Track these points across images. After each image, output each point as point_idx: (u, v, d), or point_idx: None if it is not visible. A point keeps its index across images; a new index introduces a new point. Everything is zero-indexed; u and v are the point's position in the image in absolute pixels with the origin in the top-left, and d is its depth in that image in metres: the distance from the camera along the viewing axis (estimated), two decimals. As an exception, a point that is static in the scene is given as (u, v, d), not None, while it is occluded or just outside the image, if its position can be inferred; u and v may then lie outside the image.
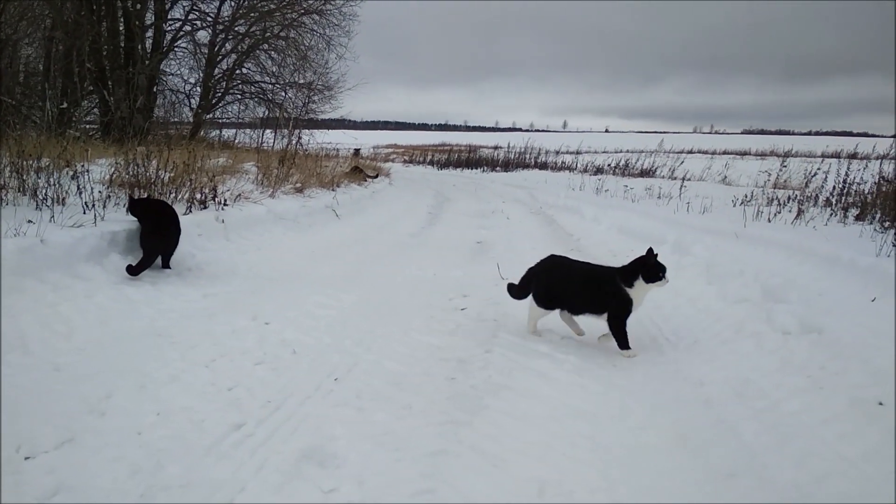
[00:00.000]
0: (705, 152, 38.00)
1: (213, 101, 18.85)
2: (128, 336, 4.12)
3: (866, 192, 8.79)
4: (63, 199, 5.99)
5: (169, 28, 17.12)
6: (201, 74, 18.27)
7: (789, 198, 10.10)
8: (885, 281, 4.81)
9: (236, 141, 17.83)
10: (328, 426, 3.05)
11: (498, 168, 30.78)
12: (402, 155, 44.13)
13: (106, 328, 4.22)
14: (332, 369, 3.79)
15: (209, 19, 17.84)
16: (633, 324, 4.42)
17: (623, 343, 4.34)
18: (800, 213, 8.50)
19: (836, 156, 16.91)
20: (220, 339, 4.17)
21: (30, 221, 5.10)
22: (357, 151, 29.58)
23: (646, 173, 20.57)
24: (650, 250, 4.44)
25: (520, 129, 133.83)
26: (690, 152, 32.67)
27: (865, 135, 68.58)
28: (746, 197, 10.83)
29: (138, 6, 14.90)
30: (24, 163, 6.07)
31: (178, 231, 5.78)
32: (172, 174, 7.47)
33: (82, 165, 6.46)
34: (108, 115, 13.69)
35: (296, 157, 12.59)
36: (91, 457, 2.64)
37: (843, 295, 4.83)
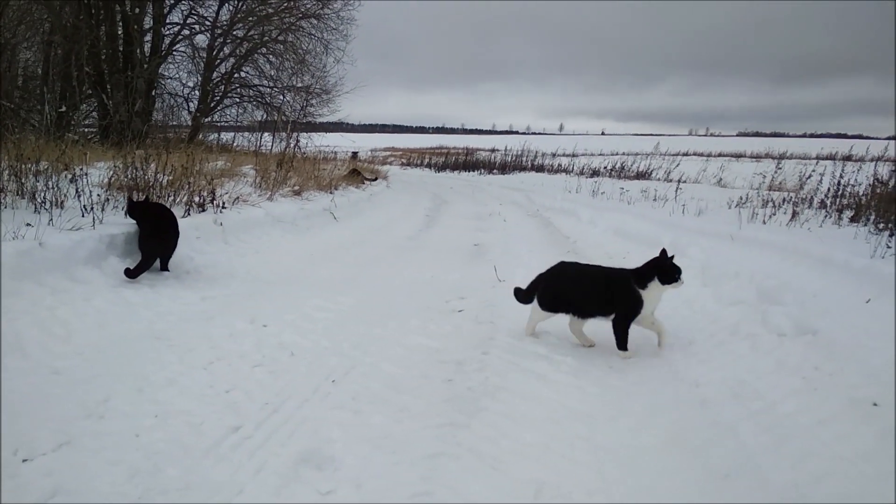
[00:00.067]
0: (701, 154, 38.07)
1: (212, 105, 18.87)
2: (126, 339, 4.13)
3: (861, 194, 8.82)
4: (61, 202, 5.99)
5: (167, 32, 17.13)
6: (200, 78, 18.29)
7: (784, 200, 10.11)
8: (879, 282, 4.83)
9: (234, 144, 17.83)
10: (326, 429, 3.06)
11: (495, 171, 30.79)
12: (399, 158, 44.17)
13: (104, 331, 4.23)
14: (330, 372, 3.80)
15: (207, 23, 17.88)
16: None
17: (623, 344, 4.35)
18: (795, 215, 8.52)
19: (831, 158, 17.00)
20: (218, 342, 4.18)
21: (28, 225, 5.11)
22: (355, 154, 29.59)
23: (642, 176, 20.61)
24: (664, 251, 4.43)
25: (516, 132, 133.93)
26: (686, 155, 32.75)
27: (860, 137, 68.81)
28: (742, 199, 10.85)
29: (137, 10, 14.90)
30: (23, 166, 6.08)
31: (176, 234, 5.79)
32: (171, 177, 7.48)
33: (81, 169, 6.47)
34: (106, 118, 13.69)
35: (294, 160, 12.60)
36: (89, 459, 2.65)
37: (837, 296, 4.85)
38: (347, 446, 2.91)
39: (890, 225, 6.55)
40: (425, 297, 5.77)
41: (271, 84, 19.25)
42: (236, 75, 19.14)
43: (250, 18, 18.02)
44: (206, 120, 18.42)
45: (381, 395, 3.52)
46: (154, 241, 5.60)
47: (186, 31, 17.71)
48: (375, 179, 18.95)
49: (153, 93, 16.14)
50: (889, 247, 5.61)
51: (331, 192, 12.55)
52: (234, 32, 18.28)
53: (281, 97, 19.36)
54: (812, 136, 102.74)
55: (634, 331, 4.46)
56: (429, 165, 37.27)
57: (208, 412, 3.16)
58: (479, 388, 3.66)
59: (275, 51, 18.72)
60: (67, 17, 13.12)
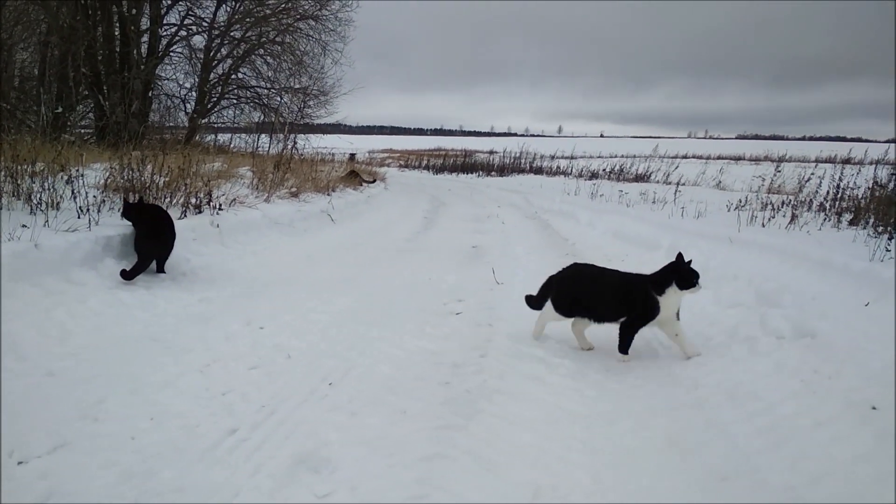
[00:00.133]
0: (700, 157, 38.18)
1: (209, 106, 18.86)
2: (122, 341, 4.12)
3: (860, 197, 8.82)
4: (58, 203, 5.98)
5: (164, 33, 17.15)
6: (197, 79, 18.29)
7: (783, 203, 10.12)
8: (878, 285, 4.83)
9: (231, 145, 17.83)
10: (322, 431, 3.05)
11: (493, 173, 30.83)
12: (397, 160, 44.21)
13: (100, 333, 4.21)
14: (327, 374, 3.79)
15: (205, 24, 17.88)
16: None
17: (625, 347, 4.30)
18: (794, 217, 8.52)
19: (830, 161, 17.01)
20: (215, 344, 4.17)
21: (24, 226, 5.10)
22: (353, 156, 29.60)
23: (640, 178, 20.65)
24: (680, 256, 4.33)
25: (515, 134, 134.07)
26: (685, 157, 32.85)
27: (859, 140, 68.95)
28: (741, 202, 10.86)
29: (134, 11, 14.90)
30: (19, 167, 6.06)
31: (172, 235, 5.78)
32: (167, 179, 7.47)
33: (77, 170, 6.46)
34: (103, 119, 13.69)
35: (291, 161, 12.59)
36: (84, 462, 2.64)
37: (836, 299, 4.85)
38: (344, 448, 2.89)
39: (889, 228, 6.54)
40: (423, 299, 5.75)
41: (269, 85, 19.27)
42: (233, 76, 19.16)
43: (248, 19, 18.03)
44: (203, 121, 18.41)
45: (378, 397, 3.50)
46: (151, 243, 5.59)
47: (183, 32, 17.74)
48: (374, 181, 18.94)
49: (150, 94, 16.14)
50: (888, 250, 5.61)
51: (328, 194, 12.54)
52: (232, 33, 18.29)
53: (278, 98, 19.39)
54: (811, 138, 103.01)
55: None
56: (427, 167, 37.30)
57: (204, 414, 3.15)
58: (477, 390, 3.64)
59: (272, 52, 18.74)
60: (64, 18, 13.10)
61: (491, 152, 39.95)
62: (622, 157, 28.84)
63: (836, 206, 8.98)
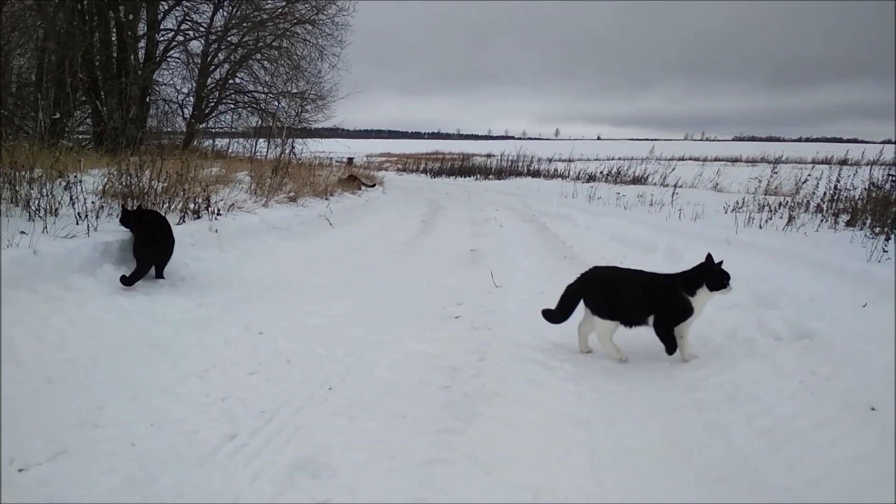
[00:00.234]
0: (696, 159, 38.24)
1: (206, 111, 18.85)
2: (121, 347, 4.11)
3: (856, 198, 8.85)
4: (56, 209, 5.97)
5: (161, 38, 17.14)
6: (194, 84, 18.28)
7: (780, 204, 10.14)
8: (875, 286, 4.84)
9: (229, 150, 17.83)
10: (322, 436, 3.05)
11: (491, 176, 30.88)
12: (395, 163, 44.24)
13: (99, 339, 4.21)
14: (326, 379, 3.79)
15: (202, 29, 17.87)
16: (627, 331, 4.42)
17: (672, 346, 4.21)
18: (791, 219, 8.54)
19: (827, 162, 17.04)
20: (214, 350, 4.17)
21: (22, 232, 5.09)
22: (350, 160, 29.64)
23: (638, 180, 20.68)
24: (710, 256, 4.30)
25: (512, 137, 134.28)
26: (682, 159, 32.91)
27: (856, 141, 69.13)
28: (738, 203, 10.87)
29: (131, 17, 14.90)
30: (17, 173, 6.05)
31: (171, 241, 5.78)
32: (165, 184, 7.46)
33: (75, 176, 6.45)
34: (100, 125, 13.67)
35: (289, 166, 12.60)
36: (84, 468, 2.63)
37: (834, 300, 4.86)
38: (343, 453, 2.89)
39: (886, 229, 6.56)
40: (421, 302, 5.76)
41: (266, 90, 19.28)
42: (231, 81, 19.15)
43: (245, 24, 18.04)
44: (201, 126, 18.40)
45: (377, 401, 3.51)
46: (149, 249, 5.59)
47: (181, 38, 17.72)
48: (374, 186, 18.96)
49: (147, 99, 16.15)
50: (885, 251, 5.63)
51: (326, 199, 12.55)
52: (229, 38, 18.29)
53: (276, 103, 19.40)
54: (808, 140, 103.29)
55: (630, 336, 4.45)
56: (425, 171, 37.33)
57: (204, 420, 3.15)
58: (476, 393, 3.65)
59: (269, 57, 18.74)
60: (61, 24, 13.09)
61: (488, 156, 40.01)
62: (619, 159, 28.86)
63: (833, 207, 9.00)
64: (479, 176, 31.57)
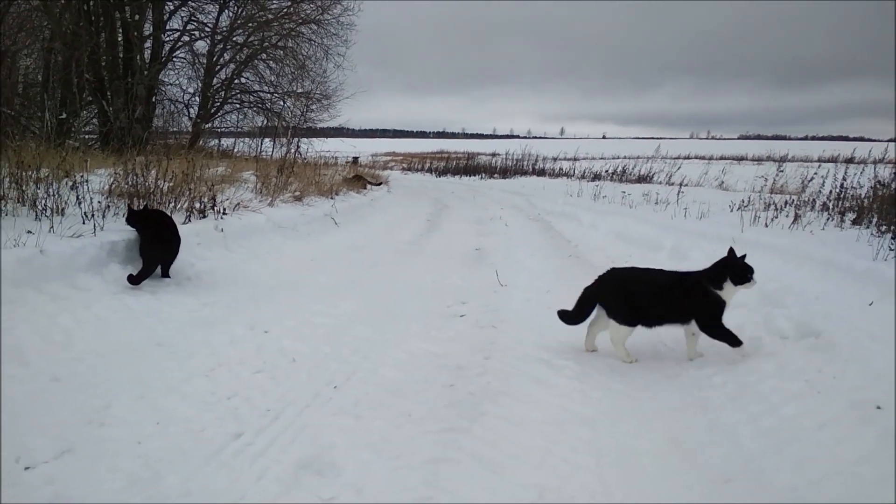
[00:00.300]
0: (702, 158, 38.16)
1: (212, 111, 18.92)
2: (127, 346, 4.13)
3: (863, 196, 8.82)
4: (62, 209, 6.00)
5: (167, 38, 17.21)
6: (200, 84, 18.35)
7: (786, 202, 10.11)
8: (882, 284, 4.83)
9: (235, 150, 17.87)
10: (327, 435, 3.05)
11: (496, 175, 30.86)
12: (400, 163, 44.24)
13: (105, 338, 4.23)
14: (331, 377, 3.79)
15: (207, 29, 17.95)
16: (632, 331, 4.41)
17: (734, 340, 4.11)
18: (797, 217, 8.52)
19: (833, 160, 17.00)
20: (220, 349, 4.18)
21: (29, 232, 5.11)
22: (356, 160, 29.66)
23: (643, 179, 20.65)
24: (732, 250, 4.24)
25: (517, 136, 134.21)
26: (687, 158, 32.82)
27: (861, 139, 68.79)
28: (743, 202, 10.85)
29: (137, 17, 14.95)
30: (24, 173, 6.08)
31: (177, 240, 5.80)
32: (171, 184, 7.49)
33: (81, 176, 6.48)
34: (106, 125, 13.72)
35: (294, 165, 12.62)
36: (90, 467, 2.65)
37: (840, 299, 4.85)
38: (349, 452, 2.90)
39: (892, 227, 6.54)
40: (427, 301, 5.76)
41: (271, 90, 19.34)
42: (236, 81, 19.22)
43: (250, 24, 18.08)
44: (207, 126, 18.47)
45: (383, 400, 3.51)
46: (156, 248, 5.61)
47: (186, 38, 17.80)
48: (380, 184, 18.98)
49: (153, 99, 16.19)
50: (892, 249, 5.61)
51: (332, 198, 12.57)
52: (234, 38, 18.34)
53: (281, 103, 19.45)
54: (813, 138, 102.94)
55: (637, 336, 4.44)
56: (430, 170, 37.33)
57: (209, 419, 3.16)
58: (481, 392, 3.65)
59: (275, 56, 18.80)
60: (67, 24, 13.14)
61: (493, 155, 39.97)
62: (625, 158, 28.84)
63: (839, 205, 8.98)
64: (484, 175, 31.54)
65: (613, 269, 4.57)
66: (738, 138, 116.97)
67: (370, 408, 3.39)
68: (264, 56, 18.82)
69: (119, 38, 15.04)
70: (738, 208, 10.35)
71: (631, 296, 4.30)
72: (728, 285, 4.15)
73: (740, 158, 39.69)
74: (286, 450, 2.89)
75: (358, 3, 18.97)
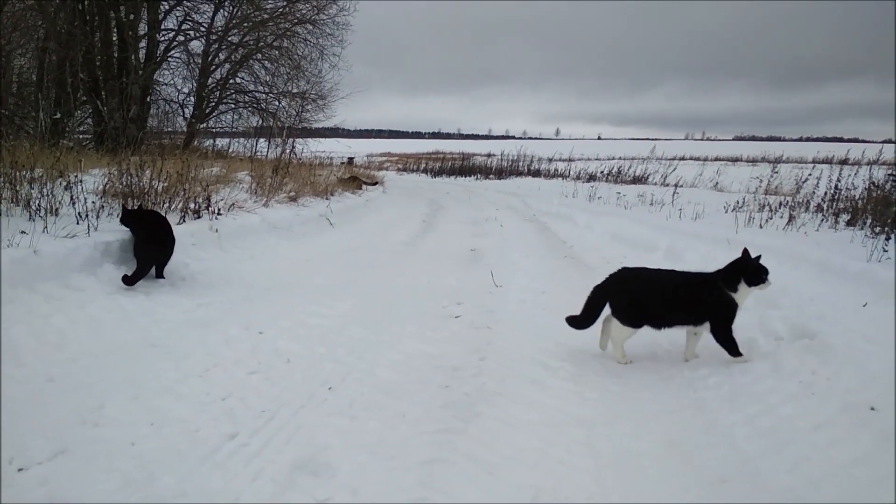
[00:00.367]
0: (697, 159, 38.24)
1: (207, 111, 18.86)
2: (121, 346, 4.12)
3: (857, 197, 8.85)
4: (56, 209, 5.97)
5: (162, 38, 17.15)
6: (195, 84, 18.28)
7: (781, 204, 10.15)
8: (876, 286, 4.85)
9: (230, 150, 17.83)
10: (322, 435, 3.05)
11: (491, 176, 30.91)
12: (395, 163, 44.23)
13: (99, 339, 4.21)
14: (326, 378, 3.79)
15: (202, 29, 17.88)
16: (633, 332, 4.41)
17: (734, 350, 4.09)
18: (791, 218, 8.55)
19: (828, 161, 17.04)
20: (214, 349, 4.17)
21: (23, 232, 5.09)
22: (351, 160, 29.63)
23: (638, 180, 20.69)
24: (746, 251, 4.21)
25: (513, 137, 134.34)
26: (682, 159, 32.90)
27: (856, 140, 69.08)
28: (738, 203, 10.89)
29: (131, 17, 14.90)
30: (18, 173, 6.06)
31: (172, 241, 5.78)
32: (166, 184, 7.47)
33: (76, 176, 6.45)
34: (101, 125, 13.68)
35: (289, 166, 12.60)
36: (84, 468, 2.63)
37: (834, 300, 4.86)
38: (344, 453, 2.89)
39: (886, 228, 6.56)
40: (422, 302, 5.76)
41: (267, 90, 19.29)
42: (231, 81, 19.16)
43: (245, 24, 18.04)
44: (202, 126, 18.41)
45: (378, 400, 3.51)
46: (150, 248, 5.59)
47: (181, 37, 17.73)
48: (375, 185, 18.96)
49: (148, 99, 16.16)
50: (885, 250, 5.63)
51: (327, 198, 12.56)
52: (230, 38, 18.29)
53: (276, 103, 19.40)
54: (808, 139, 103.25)
55: (634, 337, 4.43)
56: (425, 171, 37.33)
57: (204, 420, 3.15)
58: (476, 393, 3.65)
59: (270, 56, 18.75)
60: (62, 24, 13.10)
61: (489, 155, 39.99)
62: (620, 159, 28.84)
63: (834, 206, 9.01)
64: (479, 176, 31.59)
65: (625, 269, 4.49)
66: (733, 139, 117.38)
67: (365, 408, 3.39)
68: (259, 56, 18.78)
69: (114, 38, 14.99)
70: (733, 209, 10.39)
71: (640, 297, 4.25)
72: (742, 286, 4.11)
73: (735, 159, 39.76)
74: (281, 450, 2.88)
75: (353, 3, 18.95)
